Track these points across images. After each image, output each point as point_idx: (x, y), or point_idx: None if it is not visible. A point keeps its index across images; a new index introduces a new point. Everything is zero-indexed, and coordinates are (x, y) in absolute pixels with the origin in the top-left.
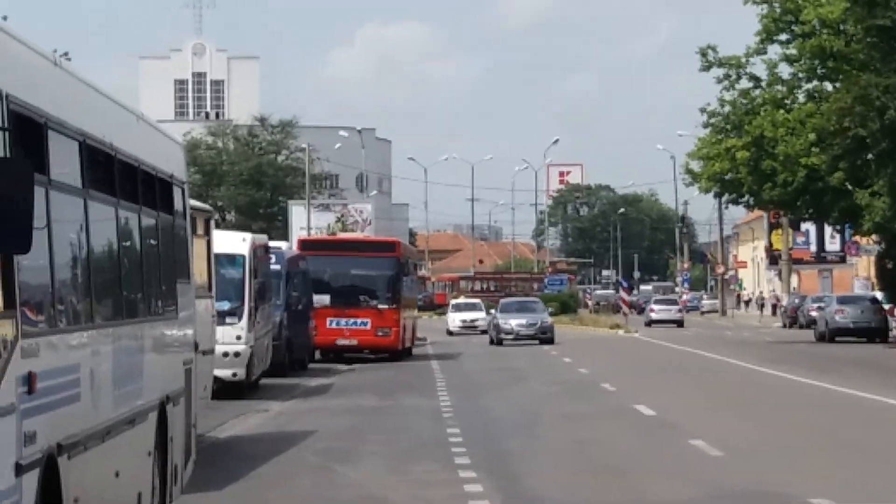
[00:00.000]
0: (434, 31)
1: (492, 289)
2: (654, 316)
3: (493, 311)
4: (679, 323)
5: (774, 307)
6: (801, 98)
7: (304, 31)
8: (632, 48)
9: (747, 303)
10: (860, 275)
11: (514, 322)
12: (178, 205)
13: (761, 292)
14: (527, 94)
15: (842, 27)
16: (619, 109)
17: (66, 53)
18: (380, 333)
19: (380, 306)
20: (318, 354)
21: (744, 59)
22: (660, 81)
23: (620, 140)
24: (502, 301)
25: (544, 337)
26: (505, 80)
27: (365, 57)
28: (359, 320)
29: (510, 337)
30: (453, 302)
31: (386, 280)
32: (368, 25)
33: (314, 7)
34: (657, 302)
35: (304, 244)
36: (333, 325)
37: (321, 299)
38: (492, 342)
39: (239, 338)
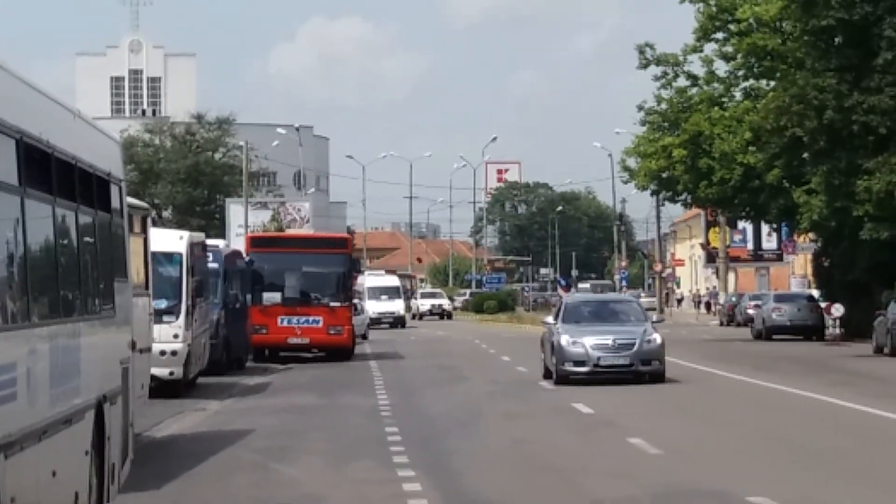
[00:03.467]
0: (378, 27)
1: None
2: None
3: (548, 319)
4: None
5: (709, 305)
6: (738, 96)
7: (245, 28)
8: (575, 45)
9: (679, 301)
10: (797, 273)
11: (590, 342)
12: (115, 203)
13: (698, 290)
14: (469, 91)
15: (778, 26)
16: (558, 107)
17: None
18: (332, 332)
19: (332, 304)
20: (267, 353)
21: (681, 57)
22: (600, 79)
23: (559, 137)
24: (566, 300)
25: (649, 370)
26: (448, 77)
27: (308, 53)
28: (311, 318)
29: (582, 370)
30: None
31: (337, 277)
32: (311, 21)
33: (255, 3)
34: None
35: (254, 241)
36: (285, 324)
37: (272, 297)
38: (548, 376)
39: (176, 336)
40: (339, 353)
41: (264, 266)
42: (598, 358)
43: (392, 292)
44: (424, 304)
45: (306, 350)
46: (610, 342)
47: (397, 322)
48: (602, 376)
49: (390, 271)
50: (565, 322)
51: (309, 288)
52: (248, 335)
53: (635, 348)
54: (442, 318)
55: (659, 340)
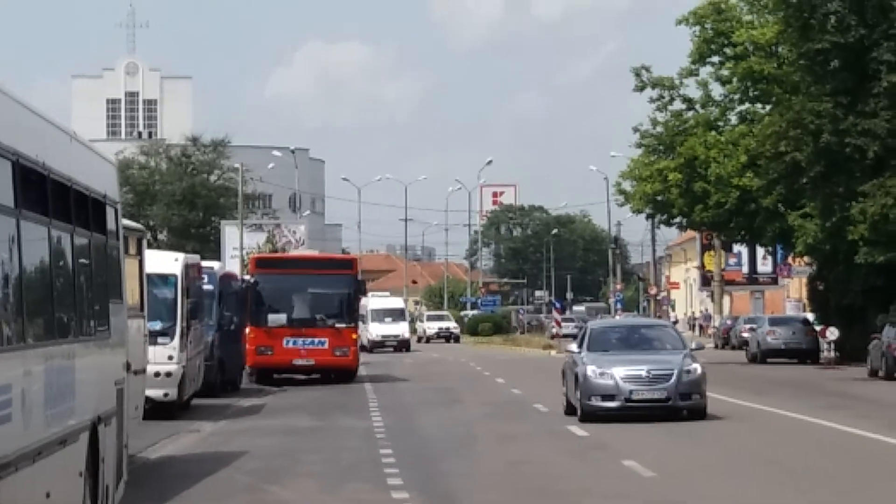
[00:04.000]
0: (376, 51)
1: None
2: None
3: (571, 347)
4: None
5: (701, 327)
6: (734, 120)
7: (243, 51)
8: (572, 69)
9: (675, 323)
10: (792, 296)
11: (621, 373)
12: (110, 224)
13: (693, 313)
14: (465, 115)
15: (773, 50)
16: (555, 130)
17: None
18: (338, 353)
19: (337, 325)
20: (274, 375)
21: (677, 81)
22: (596, 102)
23: (555, 160)
24: (591, 325)
25: (688, 405)
26: (444, 101)
27: (305, 76)
28: (316, 340)
29: (612, 405)
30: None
31: (343, 298)
32: (309, 45)
33: (252, 27)
34: (565, 320)
35: (259, 262)
36: (290, 345)
37: (277, 318)
38: (570, 412)
39: (171, 358)
40: (344, 374)
41: (269, 287)
42: (630, 391)
43: (396, 315)
44: (431, 328)
45: (311, 372)
46: (643, 373)
47: (402, 346)
48: (634, 412)
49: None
50: (591, 350)
51: (314, 309)
52: (244, 357)
53: (672, 380)
54: (448, 341)
55: (699, 371)
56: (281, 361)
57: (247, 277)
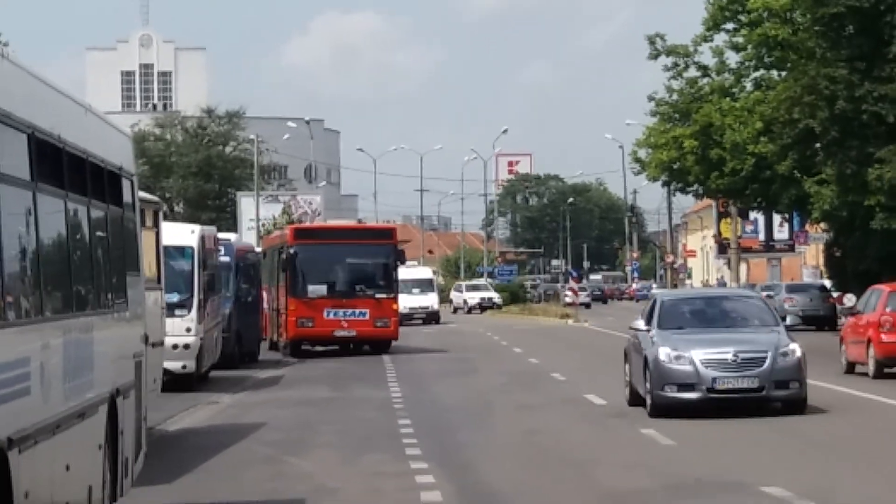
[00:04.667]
0: (391, 21)
1: None
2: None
3: (636, 324)
4: (587, 305)
5: None
6: (749, 86)
7: (257, 22)
8: (587, 38)
9: None
10: (808, 263)
11: (701, 356)
12: (126, 197)
13: (706, 280)
14: (480, 84)
15: (788, 16)
16: (570, 99)
17: (6, 44)
18: (379, 324)
19: (377, 296)
20: (316, 347)
21: (691, 48)
22: (611, 71)
23: (570, 129)
24: (662, 298)
25: (785, 396)
26: (460, 70)
27: (320, 47)
28: (357, 311)
29: (691, 397)
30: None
31: (383, 268)
32: (324, 15)
33: None
34: (580, 289)
35: (298, 232)
36: (331, 317)
37: (318, 289)
38: (635, 402)
39: (188, 330)
40: (381, 345)
41: (308, 258)
42: (714, 379)
43: (425, 285)
44: (473, 298)
45: (352, 343)
46: (730, 356)
47: (431, 318)
48: (720, 404)
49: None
50: (662, 328)
51: (355, 280)
52: (261, 328)
53: (766, 364)
54: (491, 310)
55: (798, 352)
56: (322, 333)
57: (290, 249)
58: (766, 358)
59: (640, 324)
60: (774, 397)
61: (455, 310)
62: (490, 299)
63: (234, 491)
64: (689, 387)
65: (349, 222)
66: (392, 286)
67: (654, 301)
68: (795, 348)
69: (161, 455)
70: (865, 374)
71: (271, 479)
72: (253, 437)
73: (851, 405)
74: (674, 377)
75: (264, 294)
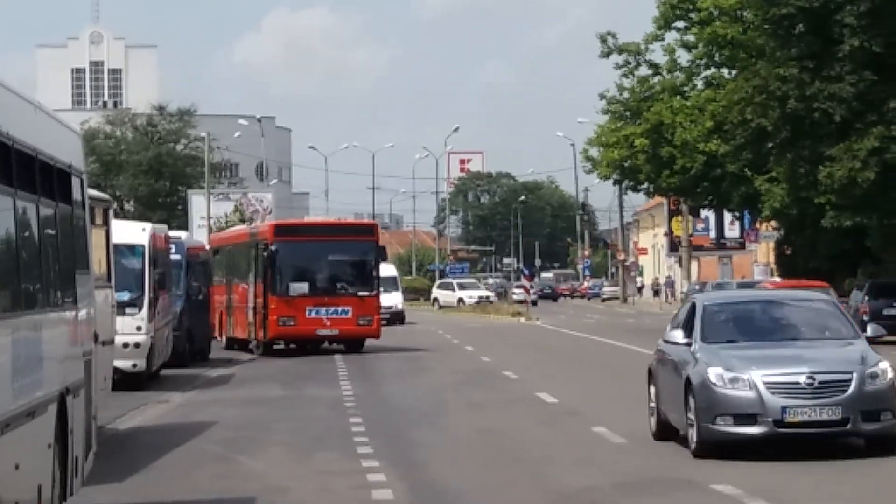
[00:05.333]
0: (344, 18)
1: None
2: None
3: (673, 336)
4: (534, 303)
5: (658, 292)
6: (700, 85)
7: (209, 19)
8: (539, 36)
9: (640, 289)
10: (760, 261)
11: (764, 377)
12: (76, 195)
13: (657, 278)
14: (433, 82)
15: (738, 15)
16: (522, 97)
17: None
18: (361, 322)
19: (360, 293)
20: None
21: (643, 46)
22: (564, 69)
23: (522, 127)
24: (705, 302)
25: (876, 431)
26: (413, 68)
27: (272, 44)
28: (339, 309)
29: (754, 432)
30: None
31: (365, 266)
32: (276, 12)
33: None
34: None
35: (278, 229)
36: (313, 315)
37: (299, 287)
38: (664, 435)
39: (139, 328)
40: (357, 344)
41: (289, 255)
42: (784, 409)
43: (389, 284)
44: (472, 296)
45: (334, 342)
46: (803, 379)
47: (395, 318)
48: (790, 441)
49: None
50: (707, 341)
51: (336, 277)
52: (212, 326)
53: (852, 390)
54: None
55: (890, 374)
56: (304, 332)
57: (270, 246)
58: (850, 381)
59: (678, 335)
60: (862, 432)
61: (441, 307)
62: (487, 297)
63: (185, 490)
64: (749, 418)
65: (328, 218)
66: (374, 283)
67: (694, 306)
68: (886, 368)
69: (112, 454)
70: None
71: (222, 478)
72: (204, 435)
73: None
74: (729, 406)
75: (215, 292)
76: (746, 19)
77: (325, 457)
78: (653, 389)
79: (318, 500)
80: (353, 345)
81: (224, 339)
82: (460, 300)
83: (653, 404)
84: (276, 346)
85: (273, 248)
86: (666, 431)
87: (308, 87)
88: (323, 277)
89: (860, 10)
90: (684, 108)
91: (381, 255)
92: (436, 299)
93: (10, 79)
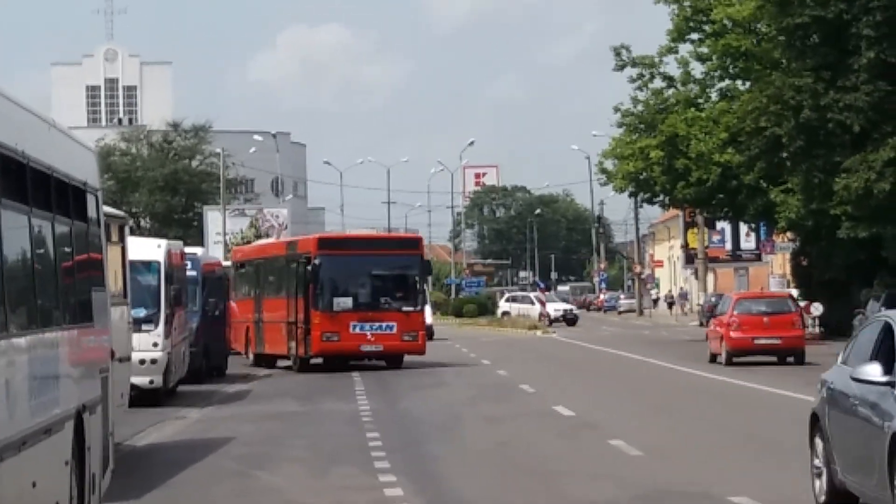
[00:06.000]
0: (358, 34)
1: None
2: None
3: (865, 371)
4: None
5: (671, 304)
6: (714, 97)
7: (223, 36)
8: (553, 50)
9: (655, 301)
10: (776, 272)
11: None
12: (91, 212)
13: (670, 291)
14: (447, 97)
15: (752, 26)
16: (536, 111)
17: None
18: (406, 338)
19: (405, 308)
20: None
21: (657, 59)
22: (578, 82)
23: (537, 141)
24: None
25: None
26: (427, 83)
27: (287, 61)
28: (384, 324)
29: None
30: None
31: (410, 280)
32: (291, 29)
33: (233, 11)
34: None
35: (322, 242)
36: (357, 331)
37: (343, 302)
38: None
39: (155, 345)
40: (397, 360)
41: (333, 269)
42: None
43: None
44: (557, 311)
45: (378, 358)
46: None
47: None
48: None
49: None
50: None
51: (381, 292)
52: (228, 342)
53: None
54: (572, 324)
55: None
56: (348, 348)
57: (313, 260)
58: None
59: (875, 371)
60: None
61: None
62: (572, 310)
63: None
64: None
65: (373, 231)
66: (419, 298)
67: (886, 329)
68: None
69: (129, 471)
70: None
71: (240, 495)
72: (221, 451)
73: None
74: None
75: (234, 307)
76: (760, 31)
77: (342, 472)
78: (820, 444)
79: None
80: (393, 360)
81: (251, 355)
82: (545, 314)
83: (819, 462)
84: (312, 362)
85: (317, 261)
86: (839, 499)
87: (322, 103)
88: (367, 292)
89: (876, 20)
90: (699, 119)
91: (427, 270)
92: (506, 313)
93: (25, 97)
